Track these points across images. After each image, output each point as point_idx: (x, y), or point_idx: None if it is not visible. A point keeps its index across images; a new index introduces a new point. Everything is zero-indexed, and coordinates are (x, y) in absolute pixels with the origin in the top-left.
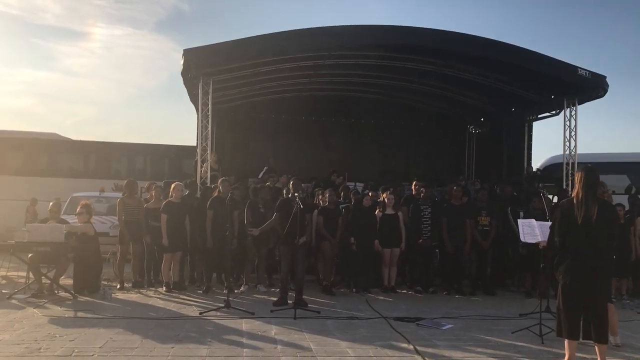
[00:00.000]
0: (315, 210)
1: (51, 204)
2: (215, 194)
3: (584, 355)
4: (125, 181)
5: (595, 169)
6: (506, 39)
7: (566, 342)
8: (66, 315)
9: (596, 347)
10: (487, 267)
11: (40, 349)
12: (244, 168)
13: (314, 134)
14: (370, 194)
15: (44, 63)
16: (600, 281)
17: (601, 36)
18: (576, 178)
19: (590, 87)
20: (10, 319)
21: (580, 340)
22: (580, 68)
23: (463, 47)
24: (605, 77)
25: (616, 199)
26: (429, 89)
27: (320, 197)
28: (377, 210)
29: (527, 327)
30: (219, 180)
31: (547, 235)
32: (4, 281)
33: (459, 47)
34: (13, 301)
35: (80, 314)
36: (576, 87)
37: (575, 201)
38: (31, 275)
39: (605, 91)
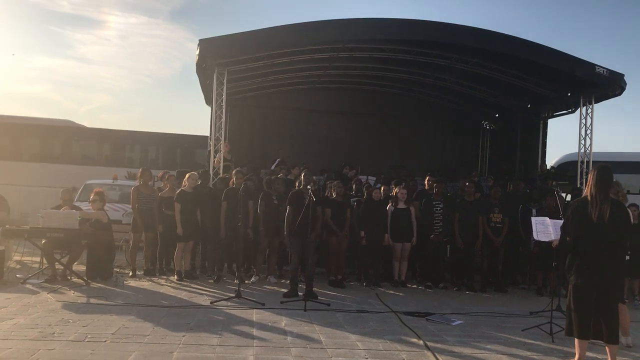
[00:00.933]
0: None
1: (62, 190)
2: (231, 184)
3: (595, 355)
4: (140, 170)
5: (610, 168)
6: (523, 35)
7: (576, 341)
8: (79, 301)
9: (607, 348)
10: (499, 264)
11: (54, 333)
12: (256, 159)
13: (327, 127)
14: (382, 188)
15: (60, 50)
16: (612, 281)
17: (619, 32)
18: (589, 177)
19: (607, 85)
20: (25, 304)
21: (591, 340)
22: (598, 66)
23: (478, 42)
24: (623, 75)
25: (631, 199)
26: (444, 83)
27: (332, 190)
28: (389, 205)
29: (538, 325)
30: (233, 172)
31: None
32: (18, 266)
33: (475, 42)
34: (27, 286)
35: (92, 300)
36: (593, 84)
37: (589, 199)
38: (45, 260)
39: (623, 89)
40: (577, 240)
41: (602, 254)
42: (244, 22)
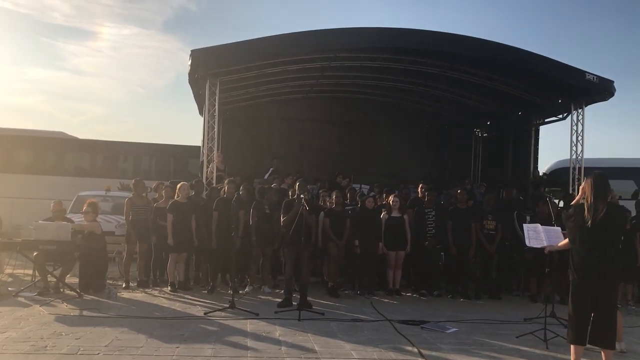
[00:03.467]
0: (322, 212)
1: (53, 203)
2: (222, 194)
3: None
4: (133, 181)
5: (605, 175)
6: (513, 42)
7: (572, 347)
8: (72, 314)
9: (602, 353)
10: (493, 271)
11: (46, 346)
12: (249, 169)
13: (320, 136)
14: (376, 196)
15: (53, 62)
16: (608, 286)
17: (610, 38)
18: (586, 184)
19: (597, 91)
20: (17, 317)
21: (587, 345)
22: (588, 73)
23: (470, 50)
24: (612, 81)
25: (623, 204)
26: (436, 91)
27: (327, 198)
28: (382, 213)
29: (532, 331)
30: (226, 181)
31: (553, 240)
32: (10, 279)
33: (466, 50)
34: (19, 299)
35: (85, 312)
36: (583, 91)
37: (585, 206)
38: (37, 273)
39: (612, 94)
40: (574, 245)
41: (597, 258)
42: (236, 31)
